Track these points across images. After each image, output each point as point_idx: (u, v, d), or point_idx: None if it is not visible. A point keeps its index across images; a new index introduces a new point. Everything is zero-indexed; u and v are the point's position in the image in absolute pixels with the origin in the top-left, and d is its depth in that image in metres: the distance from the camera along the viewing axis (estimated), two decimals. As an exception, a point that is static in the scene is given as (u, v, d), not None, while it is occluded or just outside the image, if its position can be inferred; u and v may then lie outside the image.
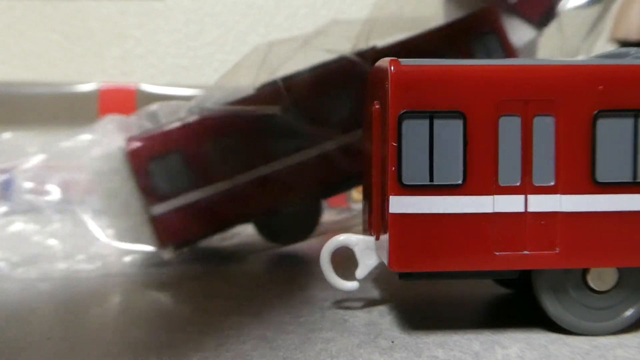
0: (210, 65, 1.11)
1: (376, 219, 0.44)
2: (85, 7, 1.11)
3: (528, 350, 0.38)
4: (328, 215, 0.70)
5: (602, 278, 0.41)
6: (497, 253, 0.39)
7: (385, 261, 0.41)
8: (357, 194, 0.83)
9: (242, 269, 0.61)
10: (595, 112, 0.39)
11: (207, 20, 1.11)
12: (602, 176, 0.39)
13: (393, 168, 0.39)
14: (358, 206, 0.79)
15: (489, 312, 0.48)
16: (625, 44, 0.76)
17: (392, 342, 0.40)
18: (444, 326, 0.43)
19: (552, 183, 0.40)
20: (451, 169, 0.39)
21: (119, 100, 0.96)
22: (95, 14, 1.11)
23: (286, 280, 0.56)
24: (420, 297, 0.51)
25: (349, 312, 0.46)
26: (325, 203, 0.67)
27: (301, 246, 0.66)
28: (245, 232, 0.66)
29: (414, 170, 0.39)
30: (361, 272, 0.46)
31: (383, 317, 0.45)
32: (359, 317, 0.45)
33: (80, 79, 1.11)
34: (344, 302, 0.49)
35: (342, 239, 0.46)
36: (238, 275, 0.59)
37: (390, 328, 0.43)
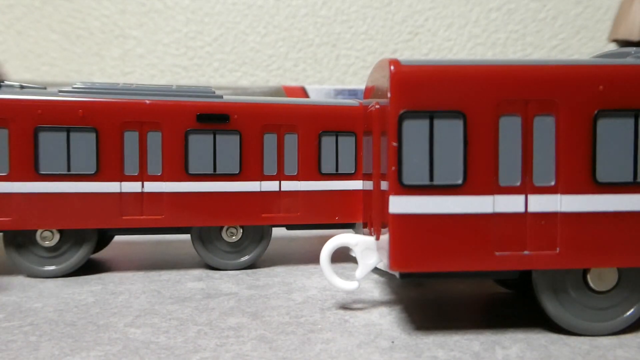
0: (210, 65, 1.11)
1: (376, 219, 0.44)
2: (85, 7, 1.11)
3: (528, 351, 0.38)
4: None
5: (602, 278, 0.41)
6: (497, 253, 0.39)
7: (386, 261, 0.41)
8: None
9: (241, 269, 0.61)
10: (596, 112, 0.39)
11: (207, 20, 1.11)
12: (602, 176, 0.39)
13: (393, 168, 0.39)
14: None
15: (489, 312, 0.48)
16: (625, 44, 0.76)
17: (392, 342, 0.40)
18: (444, 326, 0.43)
19: (552, 183, 0.40)
20: (451, 169, 0.39)
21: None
22: (95, 14, 1.11)
23: (286, 280, 0.56)
24: (420, 297, 0.51)
25: (349, 312, 0.46)
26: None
27: (302, 245, 0.66)
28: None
29: (414, 170, 0.39)
30: (361, 272, 0.46)
31: (383, 317, 0.45)
32: (359, 318, 0.45)
33: (80, 78, 1.11)
34: (344, 302, 0.49)
35: (342, 239, 0.46)
36: (237, 275, 0.59)
37: (390, 328, 0.43)
